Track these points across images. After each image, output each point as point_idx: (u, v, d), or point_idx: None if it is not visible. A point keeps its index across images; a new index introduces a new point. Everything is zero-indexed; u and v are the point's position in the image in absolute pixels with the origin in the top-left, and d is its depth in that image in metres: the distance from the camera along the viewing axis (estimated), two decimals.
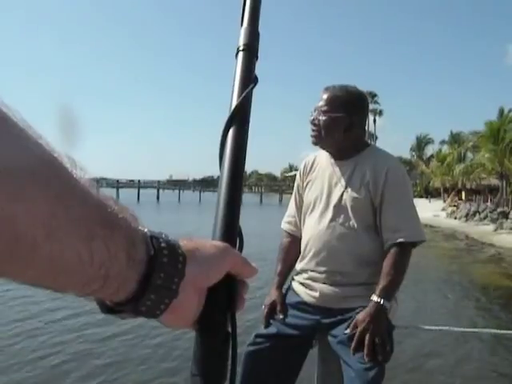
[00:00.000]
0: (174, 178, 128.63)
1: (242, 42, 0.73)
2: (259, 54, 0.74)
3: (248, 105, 0.70)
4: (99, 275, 0.45)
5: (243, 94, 0.69)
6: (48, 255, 0.41)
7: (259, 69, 0.73)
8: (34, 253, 0.40)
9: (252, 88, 0.70)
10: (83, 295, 0.48)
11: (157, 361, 6.08)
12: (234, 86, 0.71)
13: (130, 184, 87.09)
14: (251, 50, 0.73)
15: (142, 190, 70.34)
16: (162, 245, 0.51)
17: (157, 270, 0.50)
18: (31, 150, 0.40)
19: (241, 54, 0.73)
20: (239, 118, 0.68)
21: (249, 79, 0.71)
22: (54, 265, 0.42)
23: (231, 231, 0.62)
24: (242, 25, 0.75)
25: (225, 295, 0.58)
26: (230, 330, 0.57)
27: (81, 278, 0.45)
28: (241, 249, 0.63)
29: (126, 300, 0.50)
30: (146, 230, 0.52)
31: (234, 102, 0.69)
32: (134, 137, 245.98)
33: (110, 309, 0.53)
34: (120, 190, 61.92)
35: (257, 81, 0.71)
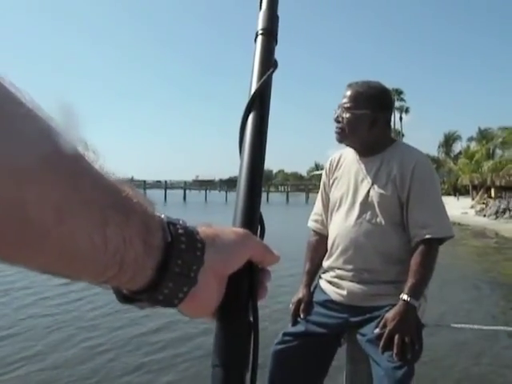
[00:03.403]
0: (201, 178, 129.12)
1: (260, 25, 0.71)
2: (279, 38, 0.72)
3: (268, 89, 0.68)
4: (114, 262, 0.43)
5: (263, 79, 0.67)
6: (60, 240, 0.39)
7: (279, 54, 0.71)
8: (45, 238, 0.38)
9: (272, 72, 0.68)
10: (98, 283, 0.46)
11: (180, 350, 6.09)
12: (253, 70, 0.69)
13: (157, 185, 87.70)
14: (270, 34, 0.71)
15: (168, 191, 70.57)
16: (180, 231, 0.49)
17: (174, 257, 0.48)
18: (39, 131, 0.39)
19: (260, 37, 0.71)
20: (259, 103, 0.66)
21: (268, 64, 0.69)
22: (67, 251, 0.40)
23: (252, 218, 0.60)
24: (260, 8, 0.73)
25: (246, 283, 0.56)
26: (251, 319, 0.55)
27: (95, 264, 0.43)
28: (262, 236, 0.61)
29: (142, 288, 0.48)
30: (162, 215, 0.50)
31: (254, 87, 0.67)
32: (161, 138, 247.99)
33: (126, 297, 0.51)
34: (147, 191, 62.34)
35: (277, 65, 0.69)
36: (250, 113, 0.66)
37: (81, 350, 6.31)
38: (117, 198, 0.44)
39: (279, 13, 0.73)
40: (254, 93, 0.67)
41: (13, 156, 0.36)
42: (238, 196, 0.61)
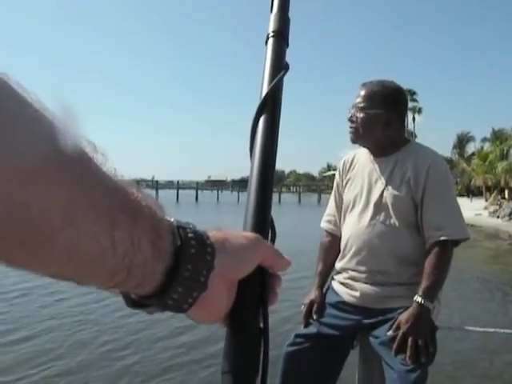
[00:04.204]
0: (213, 178, 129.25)
1: (271, 28, 0.71)
2: (290, 41, 0.72)
3: (279, 92, 0.67)
4: (123, 266, 0.43)
5: (274, 81, 0.66)
6: (67, 244, 0.38)
7: (292, 54, 0.70)
8: (52, 241, 0.37)
9: (283, 75, 0.67)
10: (106, 288, 0.46)
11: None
12: (264, 73, 0.68)
13: (169, 185, 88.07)
14: (281, 36, 0.70)
15: (180, 191, 70.63)
16: (190, 235, 0.49)
17: (184, 262, 0.47)
18: (45, 132, 0.38)
19: (271, 40, 0.70)
20: (270, 106, 0.66)
21: (280, 66, 0.68)
22: (74, 255, 0.39)
23: (263, 222, 0.59)
24: (271, 10, 0.73)
25: (256, 289, 0.55)
26: (261, 325, 0.55)
27: (103, 268, 0.42)
28: (273, 240, 0.60)
29: (151, 293, 0.48)
30: (172, 219, 0.49)
31: (265, 90, 0.67)
32: (173, 138, 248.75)
33: (135, 302, 0.50)
34: (159, 191, 62.60)
35: (288, 68, 0.69)
36: (260, 116, 0.66)
37: (102, 352, 6.33)
38: (125, 201, 0.43)
39: (290, 15, 0.73)
40: (265, 95, 0.66)
41: (17, 156, 0.35)
42: (248, 200, 0.60)
